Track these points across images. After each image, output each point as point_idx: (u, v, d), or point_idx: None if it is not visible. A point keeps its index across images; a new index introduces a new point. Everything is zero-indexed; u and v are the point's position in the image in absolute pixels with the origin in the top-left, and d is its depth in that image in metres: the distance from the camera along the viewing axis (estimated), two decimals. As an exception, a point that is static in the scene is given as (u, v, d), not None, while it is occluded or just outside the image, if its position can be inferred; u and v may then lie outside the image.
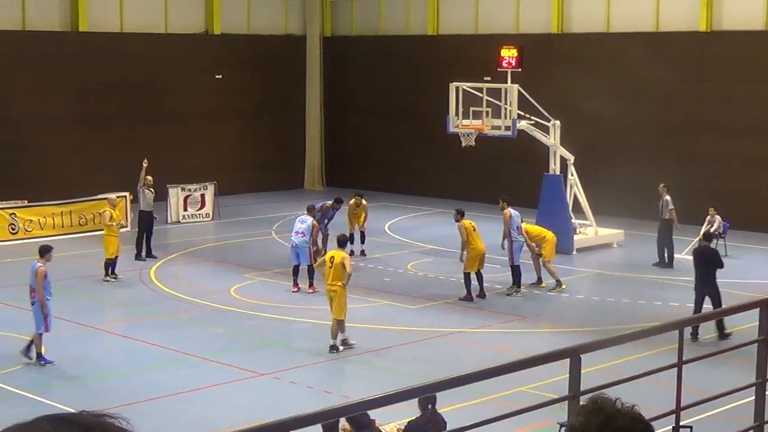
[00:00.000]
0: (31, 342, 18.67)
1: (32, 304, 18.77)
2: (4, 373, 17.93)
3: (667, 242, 27.39)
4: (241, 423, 14.85)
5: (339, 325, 19.59)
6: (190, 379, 17.81)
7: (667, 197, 27.29)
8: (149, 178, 28.06)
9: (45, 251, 19.21)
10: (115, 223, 25.60)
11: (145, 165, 27.92)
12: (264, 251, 29.01)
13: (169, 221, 33.22)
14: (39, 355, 18.49)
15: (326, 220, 26.91)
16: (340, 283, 19.48)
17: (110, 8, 37.14)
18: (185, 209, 33.96)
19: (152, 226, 28.09)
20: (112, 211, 26.06)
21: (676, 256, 27.67)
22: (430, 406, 12.69)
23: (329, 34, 42.92)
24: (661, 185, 27.60)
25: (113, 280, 25.30)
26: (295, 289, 24.05)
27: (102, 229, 26.33)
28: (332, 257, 19.92)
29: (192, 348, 19.62)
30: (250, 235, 31.40)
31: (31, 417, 2.13)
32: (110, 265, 25.41)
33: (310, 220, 24.48)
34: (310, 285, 23.98)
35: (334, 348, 19.48)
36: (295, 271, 24.29)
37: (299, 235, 24.26)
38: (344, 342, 19.72)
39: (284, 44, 41.59)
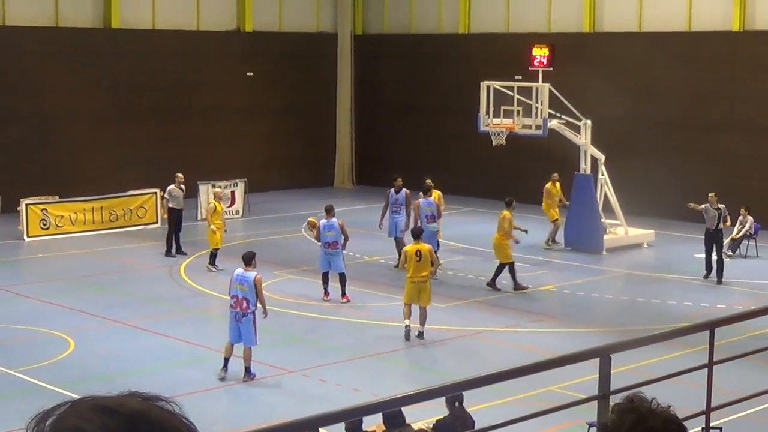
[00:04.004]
0: (226, 359, 17.81)
1: (243, 316, 17.44)
2: (34, 368, 18.04)
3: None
4: (269, 420, 14.89)
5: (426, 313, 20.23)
6: (219, 375, 17.84)
7: (722, 205, 25.86)
8: (180, 175, 28.30)
9: (250, 258, 17.87)
10: (221, 217, 26.25)
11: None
12: (293, 249, 29.05)
13: (199, 218, 33.34)
14: (248, 369, 17.62)
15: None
16: (426, 274, 20.37)
17: (142, 5, 37.31)
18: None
19: (181, 223, 28.28)
20: (218, 203, 26.63)
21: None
22: (457, 404, 12.66)
23: (361, 32, 42.93)
24: (713, 194, 26.00)
25: (214, 270, 25.82)
26: (327, 298, 23.28)
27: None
28: (418, 250, 20.42)
29: (221, 345, 19.66)
30: (280, 233, 31.45)
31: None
32: (214, 256, 26.07)
33: (336, 222, 23.47)
34: (343, 294, 23.23)
35: (420, 333, 20.09)
36: (326, 278, 23.46)
37: (333, 247, 23.30)
38: (420, 334, 20.12)
39: (316, 42, 41.63)
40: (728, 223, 26.27)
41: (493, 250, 24.89)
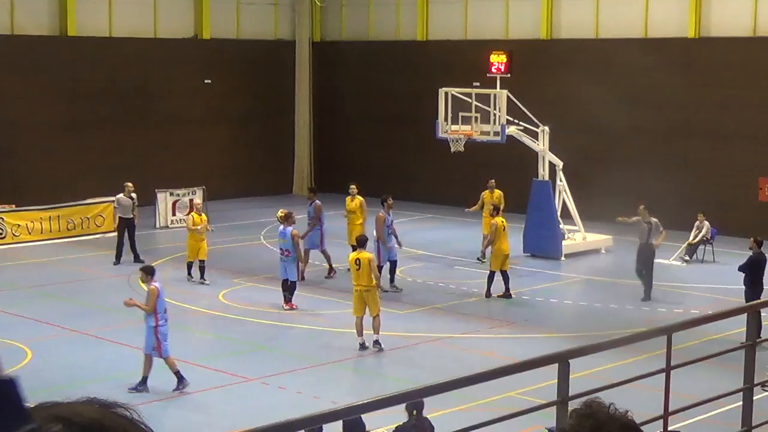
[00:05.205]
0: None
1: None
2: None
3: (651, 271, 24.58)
4: (229, 429, 14.83)
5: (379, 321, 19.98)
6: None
7: (655, 219, 24.65)
8: (129, 184, 28.20)
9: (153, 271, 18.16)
10: (198, 228, 25.61)
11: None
12: (252, 257, 28.97)
13: (157, 226, 33.18)
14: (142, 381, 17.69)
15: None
16: (373, 283, 20.02)
17: (99, 12, 37.07)
18: (173, 214, 33.91)
19: (133, 231, 28.06)
20: (195, 215, 26.13)
21: (666, 261, 27.72)
22: (415, 412, 12.67)
23: (319, 39, 42.93)
24: (642, 206, 25.00)
25: (207, 283, 25.40)
26: (288, 307, 23.15)
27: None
28: (358, 259, 20.06)
29: (180, 353, 19.55)
30: (239, 241, 31.35)
31: None
32: (191, 266, 25.67)
33: (289, 231, 23.21)
34: (288, 301, 23.10)
35: (376, 342, 19.84)
36: (284, 286, 23.33)
37: (286, 254, 23.16)
38: (377, 343, 19.92)
39: (274, 49, 41.57)
40: (662, 238, 24.81)
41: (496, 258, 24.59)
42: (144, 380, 17.48)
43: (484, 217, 28.76)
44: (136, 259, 27.76)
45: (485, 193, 29.24)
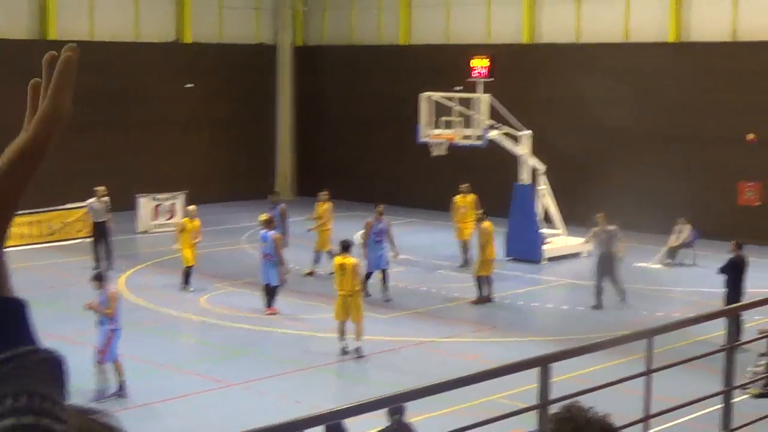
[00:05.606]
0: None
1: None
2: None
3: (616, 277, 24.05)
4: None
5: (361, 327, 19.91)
6: (159, 389, 17.70)
7: (613, 227, 24.30)
8: (100, 188, 27.86)
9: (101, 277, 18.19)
10: (191, 235, 25.36)
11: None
12: (234, 261, 28.91)
13: (138, 231, 33.05)
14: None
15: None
16: (357, 288, 19.97)
17: (80, 16, 36.96)
18: (155, 219, 33.80)
19: (106, 236, 27.70)
20: (187, 221, 25.73)
21: (647, 265, 27.79)
22: (396, 416, 12.66)
23: (301, 43, 42.90)
24: (600, 215, 24.63)
25: (191, 290, 25.13)
26: (269, 312, 23.08)
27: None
28: (343, 264, 19.94)
29: (161, 358, 19.52)
30: (221, 245, 31.26)
31: None
32: (188, 274, 25.32)
33: (270, 235, 23.23)
34: (269, 305, 23.03)
35: (357, 349, 19.74)
36: (266, 290, 23.30)
37: (268, 258, 23.12)
38: (358, 350, 19.83)
39: (256, 53, 41.52)
40: (622, 245, 24.53)
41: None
42: (121, 386, 17.37)
43: (456, 222, 28.73)
44: (110, 266, 27.36)
45: (457, 198, 29.12)
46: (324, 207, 27.72)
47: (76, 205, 32.08)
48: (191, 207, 26.75)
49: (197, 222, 25.92)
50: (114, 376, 17.36)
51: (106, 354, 17.27)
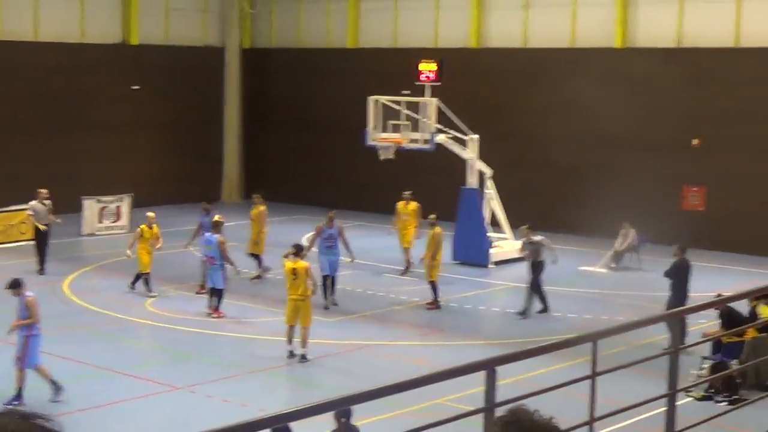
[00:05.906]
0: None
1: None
2: None
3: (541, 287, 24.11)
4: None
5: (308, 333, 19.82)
6: (103, 393, 17.54)
7: (539, 237, 24.47)
8: (43, 190, 27.55)
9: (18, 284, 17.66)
10: (149, 242, 25.02)
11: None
12: (180, 264, 28.71)
13: (83, 233, 32.74)
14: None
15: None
16: (309, 293, 19.80)
17: (24, 16, 36.55)
18: (100, 222, 33.50)
19: (46, 240, 27.32)
20: (145, 228, 25.24)
21: (592, 269, 28.01)
22: (344, 419, 12.66)
23: (248, 45, 42.75)
24: (526, 227, 24.54)
25: (155, 295, 24.77)
26: (215, 315, 22.94)
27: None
28: (294, 269, 19.79)
29: (106, 362, 19.35)
30: (166, 248, 30.99)
31: None
32: (140, 277, 24.92)
33: (216, 238, 23.03)
34: (216, 308, 22.91)
35: (303, 356, 19.64)
36: (212, 293, 23.21)
37: (211, 262, 22.99)
38: (303, 357, 19.71)
39: (203, 55, 41.31)
40: (553, 253, 24.64)
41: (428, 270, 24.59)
42: (57, 387, 17.12)
43: (400, 230, 28.70)
44: (42, 271, 26.93)
45: (400, 205, 29.07)
46: (255, 210, 27.55)
47: (21, 207, 31.71)
48: (150, 214, 26.25)
49: (156, 229, 25.55)
50: (22, 383, 16.98)
51: (24, 361, 17.05)
